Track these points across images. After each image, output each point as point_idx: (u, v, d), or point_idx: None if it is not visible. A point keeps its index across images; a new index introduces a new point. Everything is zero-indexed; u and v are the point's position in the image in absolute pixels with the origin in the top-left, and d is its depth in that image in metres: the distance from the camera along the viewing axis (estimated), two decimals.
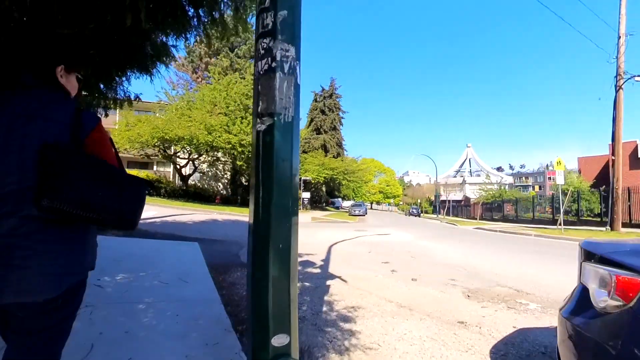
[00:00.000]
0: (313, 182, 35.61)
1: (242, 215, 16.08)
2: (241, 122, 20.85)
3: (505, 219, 34.39)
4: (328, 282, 4.57)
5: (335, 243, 8.96)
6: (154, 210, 13.44)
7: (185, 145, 19.25)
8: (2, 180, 0.98)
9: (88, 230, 1.13)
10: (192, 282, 3.70)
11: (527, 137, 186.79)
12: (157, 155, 21.28)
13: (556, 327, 1.63)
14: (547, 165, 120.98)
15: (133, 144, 19.75)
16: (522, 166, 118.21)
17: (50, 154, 0.98)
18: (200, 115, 18.75)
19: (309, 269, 5.45)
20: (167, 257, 5.06)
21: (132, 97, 4.45)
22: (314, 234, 11.01)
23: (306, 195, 31.95)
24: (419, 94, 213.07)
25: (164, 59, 3.47)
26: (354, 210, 32.96)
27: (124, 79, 3.98)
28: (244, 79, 24.51)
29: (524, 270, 5.86)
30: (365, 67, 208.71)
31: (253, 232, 1.17)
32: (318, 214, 27.68)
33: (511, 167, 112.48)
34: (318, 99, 51.74)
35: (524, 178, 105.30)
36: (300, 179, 36.62)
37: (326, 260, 6.43)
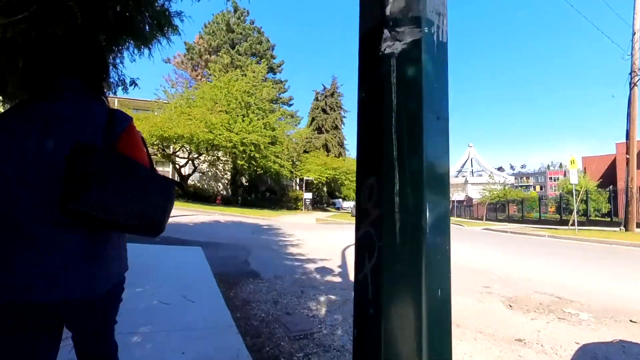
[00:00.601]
0: (315, 182, 35.01)
1: (245, 216, 15.45)
2: (242, 121, 20.21)
3: (510, 219, 33.87)
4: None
5: (348, 246, 8.33)
6: None
7: (184, 144, 18.55)
8: (38, 182, 0.98)
9: (120, 235, 1.14)
10: (198, 301, 3.07)
11: (527, 138, 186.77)
12: (155, 155, 20.59)
13: (620, 341, 1.50)
14: (549, 165, 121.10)
15: None
16: (523, 166, 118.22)
17: (80, 155, 0.96)
18: (201, 113, 18.07)
19: (329, 277, 4.84)
20: (168, 266, 4.44)
21: (128, 82, 3.82)
22: (322, 237, 10.39)
23: (308, 195, 31.35)
24: None
25: (166, 29, 2.84)
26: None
27: (117, 60, 3.36)
28: (245, 75, 23.90)
29: (554, 274, 5.63)
30: None
31: (380, 249, 0.56)
32: (321, 214, 27.09)
33: (512, 167, 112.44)
34: (319, 98, 51.13)
35: (524, 178, 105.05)
36: (302, 179, 36.09)
37: (343, 267, 5.82)
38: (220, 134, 17.54)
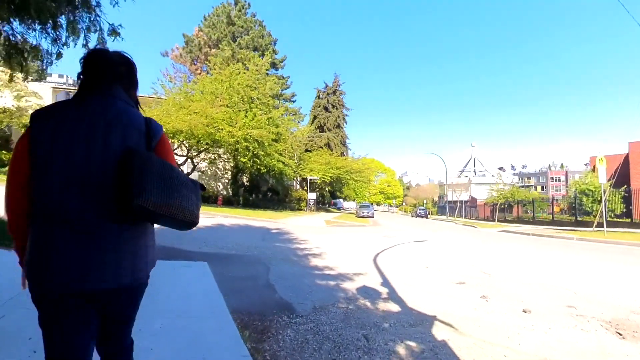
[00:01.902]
0: (319, 182, 33.77)
1: (249, 218, 14.19)
2: (245, 116, 18.95)
3: (520, 220, 32.83)
4: (434, 332, 2.83)
5: (378, 254, 7.13)
6: None
7: (183, 140, 17.20)
8: (87, 179, 1.05)
9: (153, 227, 1.23)
10: None
11: (528, 138, 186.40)
12: None
13: None
14: (550, 165, 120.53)
15: None
16: (524, 166, 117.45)
17: (135, 158, 1.05)
18: (201, 107, 16.74)
19: (383, 305, 3.64)
20: (165, 295, 3.20)
21: (106, 29, 2.60)
22: (341, 242, 9.17)
23: (312, 196, 30.07)
24: (419, 93, 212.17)
25: None
26: (362, 212, 31.12)
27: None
28: (248, 69, 22.63)
29: (628, 286, 4.91)
30: (366, 66, 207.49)
31: None
32: (326, 216, 25.86)
33: (513, 168, 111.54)
34: (321, 96, 49.95)
35: (526, 178, 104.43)
36: (304, 178, 34.80)
37: (388, 285, 4.62)
38: (222, 129, 16.20)
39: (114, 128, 1.07)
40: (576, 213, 27.10)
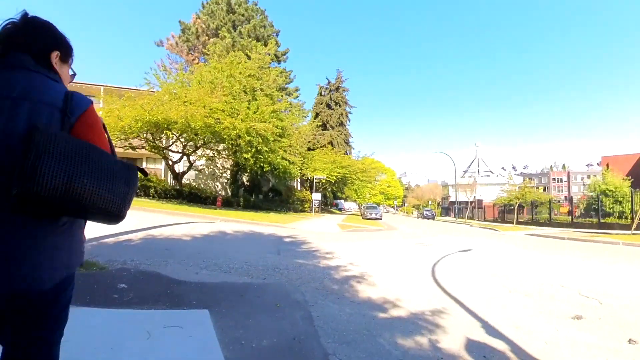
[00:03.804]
0: (324, 182, 31.90)
1: (254, 223, 12.27)
2: (248, 108, 17.01)
3: (535, 222, 31.18)
4: None
5: (435, 273, 5.25)
6: (136, 217, 9.60)
7: (178, 132, 15.17)
8: None
9: (73, 224, 1.05)
10: None
11: (529, 138, 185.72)
12: (144, 148, 17.23)
13: None
14: (551, 166, 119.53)
15: (114, 132, 15.74)
16: (525, 167, 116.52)
17: (34, 138, 0.89)
18: (198, 95, 14.73)
19: None
20: None
21: None
22: (376, 256, 7.29)
23: (317, 196, 28.09)
24: (419, 92, 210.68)
25: None
26: (369, 214, 29.27)
27: None
28: (250, 59, 20.69)
29: None
30: (365, 64, 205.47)
31: None
32: (333, 218, 24.00)
33: (514, 168, 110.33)
34: (323, 93, 48.11)
35: (527, 179, 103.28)
36: (307, 178, 32.88)
37: (494, 331, 2.86)
38: (222, 120, 14.19)
39: (20, 105, 0.95)
40: (599, 214, 25.44)
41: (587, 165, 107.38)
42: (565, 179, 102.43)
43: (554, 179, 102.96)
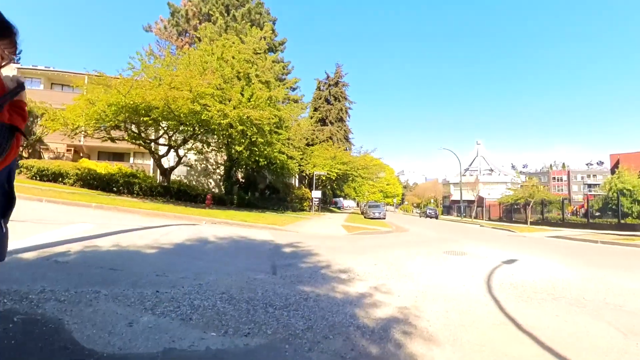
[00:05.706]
0: (324, 178, 30.09)
1: (247, 225, 10.43)
2: (241, 94, 15.13)
3: (546, 222, 29.54)
4: None
5: (506, 311, 3.47)
6: (99, 217, 7.75)
7: (159, 119, 13.20)
8: None
9: None
10: None
11: (528, 138, 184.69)
12: (123, 139, 15.28)
13: None
14: (551, 165, 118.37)
15: (89, 122, 13.82)
16: (525, 166, 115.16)
17: None
18: (184, 77, 12.80)
19: None
20: None
21: None
22: (405, 272, 5.47)
23: (317, 194, 26.26)
24: (418, 92, 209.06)
25: None
26: (372, 213, 27.49)
27: None
28: (244, 43, 18.77)
29: None
30: (364, 61, 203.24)
31: None
32: (335, 217, 22.21)
33: (514, 167, 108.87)
34: (322, 87, 46.24)
35: (529, 178, 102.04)
36: (306, 175, 31.05)
37: None
38: (210, 107, 12.28)
39: None
40: (619, 215, 23.83)
41: (587, 165, 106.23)
42: (565, 178, 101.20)
43: (554, 178, 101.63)
